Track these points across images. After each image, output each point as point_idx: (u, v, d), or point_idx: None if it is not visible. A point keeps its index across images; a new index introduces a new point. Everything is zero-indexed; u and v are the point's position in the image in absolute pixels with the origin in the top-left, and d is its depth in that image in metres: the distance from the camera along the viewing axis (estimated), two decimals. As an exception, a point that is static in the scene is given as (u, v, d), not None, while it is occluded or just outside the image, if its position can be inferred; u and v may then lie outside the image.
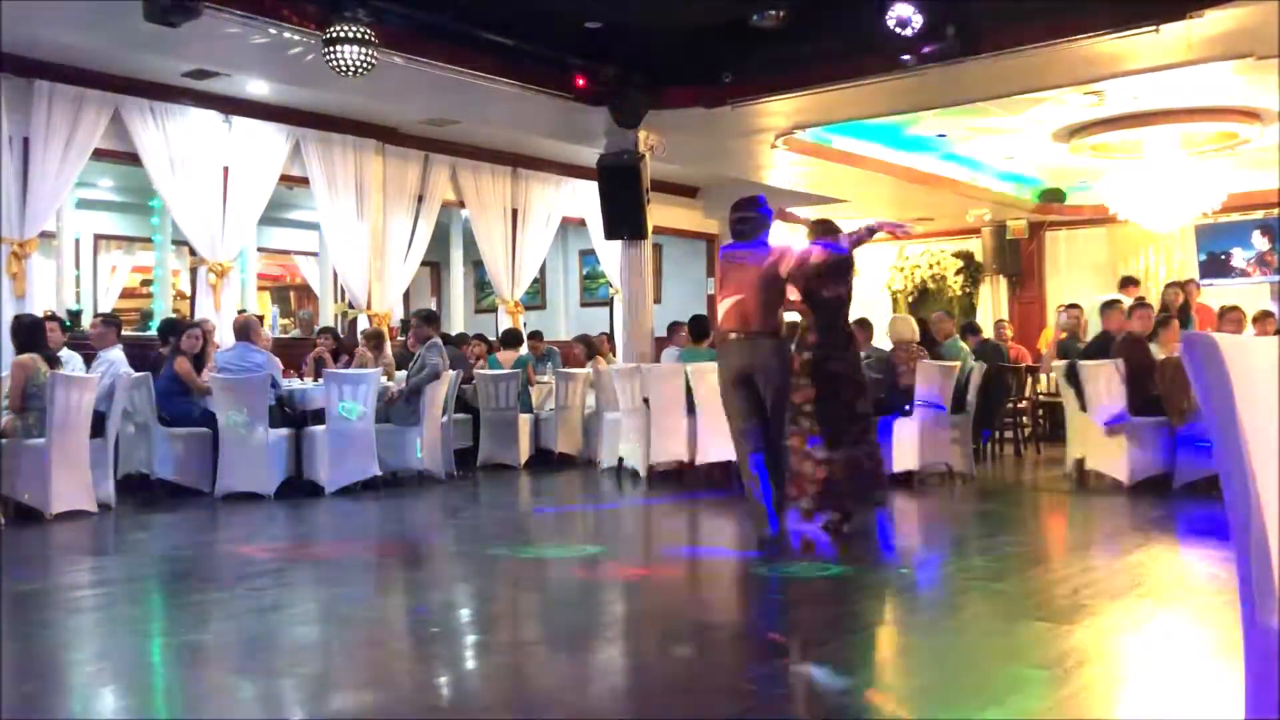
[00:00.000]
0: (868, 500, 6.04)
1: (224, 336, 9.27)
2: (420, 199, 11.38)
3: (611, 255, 12.32)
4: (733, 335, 5.57)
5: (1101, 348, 8.30)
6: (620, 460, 8.93)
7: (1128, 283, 10.62)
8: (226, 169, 9.79)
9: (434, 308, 14.84)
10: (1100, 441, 7.89)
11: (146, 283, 12.90)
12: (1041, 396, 11.24)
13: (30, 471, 6.65)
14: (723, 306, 5.66)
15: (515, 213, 12.38)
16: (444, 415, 8.84)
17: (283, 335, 12.94)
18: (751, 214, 5.76)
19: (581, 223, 13.35)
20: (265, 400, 7.72)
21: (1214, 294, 12.87)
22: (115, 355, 7.81)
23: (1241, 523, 1.68)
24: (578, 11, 7.95)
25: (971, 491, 7.98)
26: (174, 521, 6.97)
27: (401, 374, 8.85)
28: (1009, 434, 10.74)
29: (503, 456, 9.67)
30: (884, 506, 6.36)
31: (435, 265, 14.66)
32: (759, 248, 5.68)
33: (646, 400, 8.62)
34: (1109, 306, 8.71)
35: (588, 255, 15.22)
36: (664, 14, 7.92)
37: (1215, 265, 13.60)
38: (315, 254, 12.75)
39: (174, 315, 9.83)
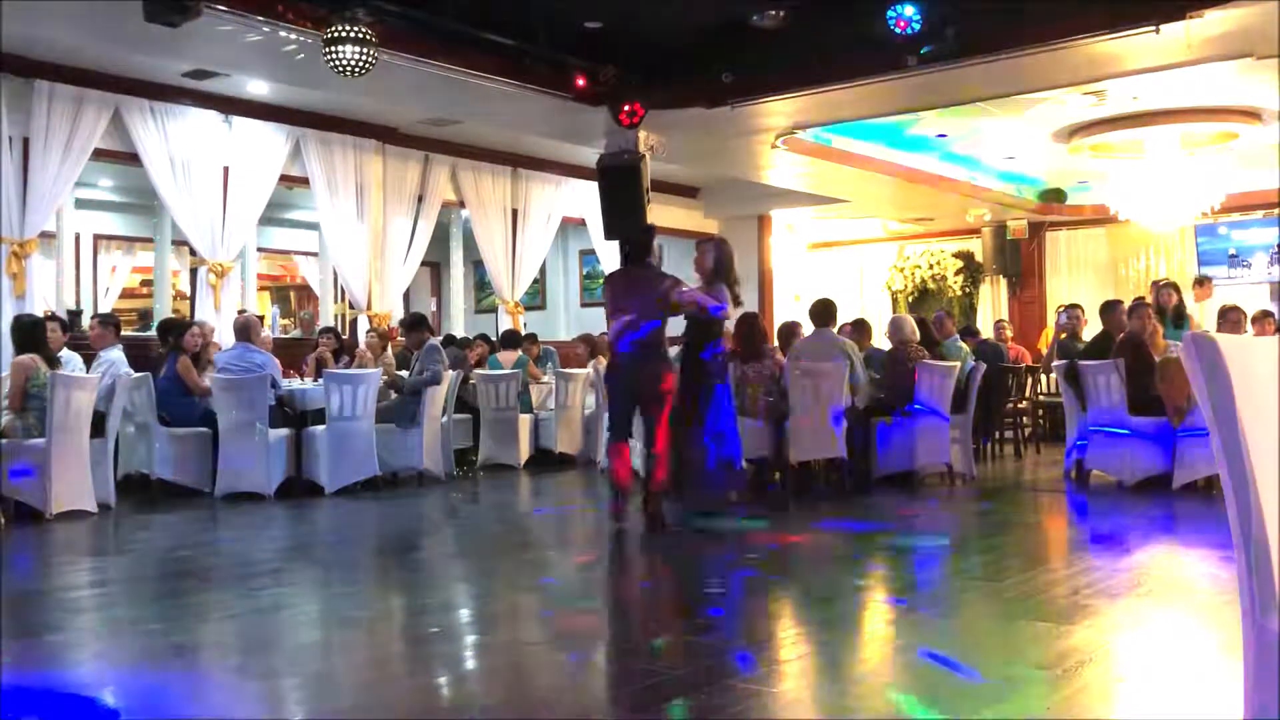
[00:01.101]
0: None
1: (224, 337, 9.28)
2: (420, 199, 11.38)
3: (611, 255, 12.31)
4: (631, 350, 6.21)
5: (1101, 348, 8.31)
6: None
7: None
8: (226, 169, 9.79)
9: (434, 308, 14.87)
10: (1100, 441, 7.89)
11: (146, 283, 12.90)
12: (1041, 396, 11.24)
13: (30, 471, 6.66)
14: (619, 322, 6.26)
15: (515, 213, 12.38)
16: (444, 415, 8.85)
17: (283, 335, 12.95)
18: (643, 239, 6.51)
19: (581, 223, 13.35)
20: (265, 400, 7.72)
21: (1216, 295, 12.88)
22: (115, 355, 7.81)
23: (1242, 523, 1.68)
24: (578, 11, 7.94)
25: (971, 491, 7.98)
26: (174, 521, 6.96)
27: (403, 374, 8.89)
28: (1009, 434, 10.74)
29: (503, 456, 9.67)
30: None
31: (435, 265, 14.65)
32: (648, 270, 6.36)
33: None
34: (1109, 307, 8.72)
35: (588, 255, 15.22)
36: (664, 14, 7.91)
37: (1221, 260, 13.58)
38: (315, 254, 12.75)
39: (173, 315, 9.83)
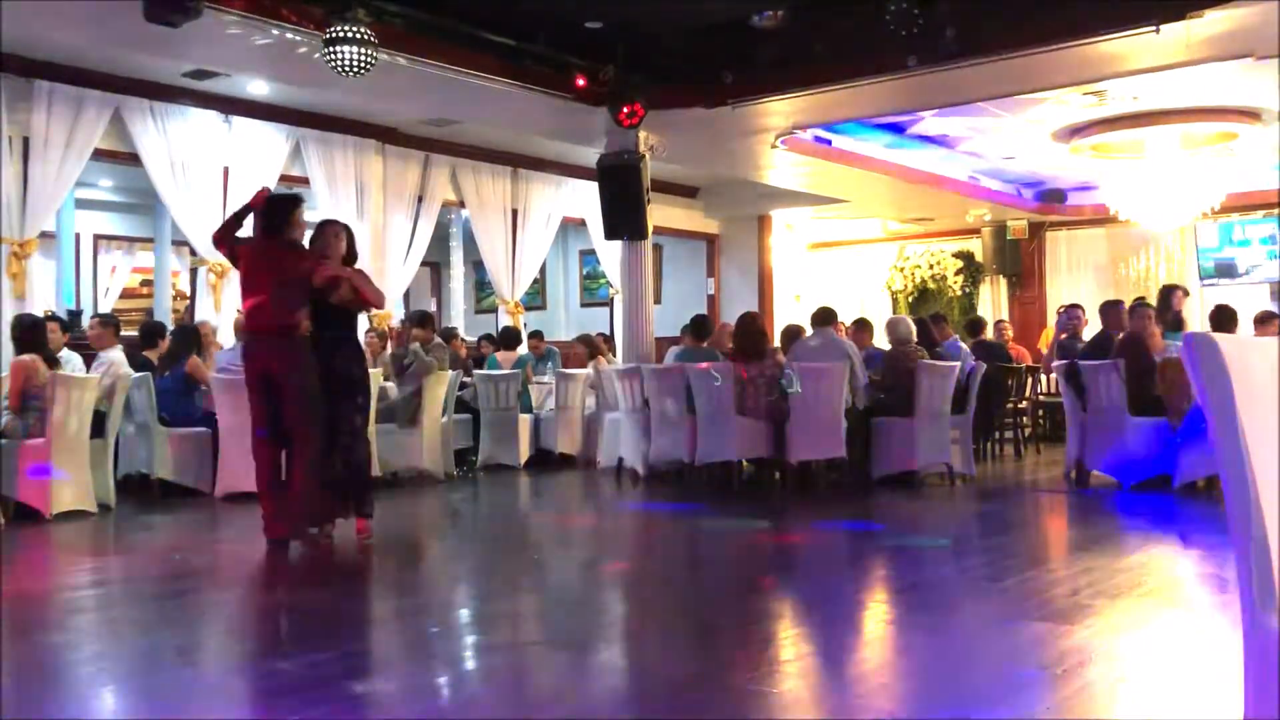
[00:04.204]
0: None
1: (224, 337, 9.27)
2: (420, 199, 11.38)
3: (611, 255, 12.32)
4: (257, 334, 5.58)
5: (1102, 348, 8.31)
6: (620, 460, 8.93)
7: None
8: (226, 169, 9.78)
9: (434, 308, 14.87)
10: (1100, 441, 7.89)
11: (147, 283, 12.90)
12: (1041, 396, 11.25)
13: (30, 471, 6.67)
14: (249, 305, 5.63)
15: (515, 213, 12.39)
16: (444, 415, 8.85)
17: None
18: (281, 204, 5.75)
19: (581, 223, 13.35)
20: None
21: (1215, 295, 12.89)
22: (115, 355, 7.80)
23: (1241, 523, 1.68)
24: (578, 11, 7.94)
25: (971, 491, 7.99)
26: (174, 521, 6.96)
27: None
28: (1009, 434, 10.74)
29: (503, 456, 9.67)
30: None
31: (435, 265, 14.66)
32: (288, 246, 5.65)
33: (646, 400, 8.62)
34: (1110, 307, 8.73)
35: (588, 255, 15.22)
36: (664, 14, 7.91)
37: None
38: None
39: (174, 317, 9.82)
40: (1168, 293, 9.92)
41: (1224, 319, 8.13)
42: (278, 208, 5.72)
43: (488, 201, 12.11)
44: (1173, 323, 9.24)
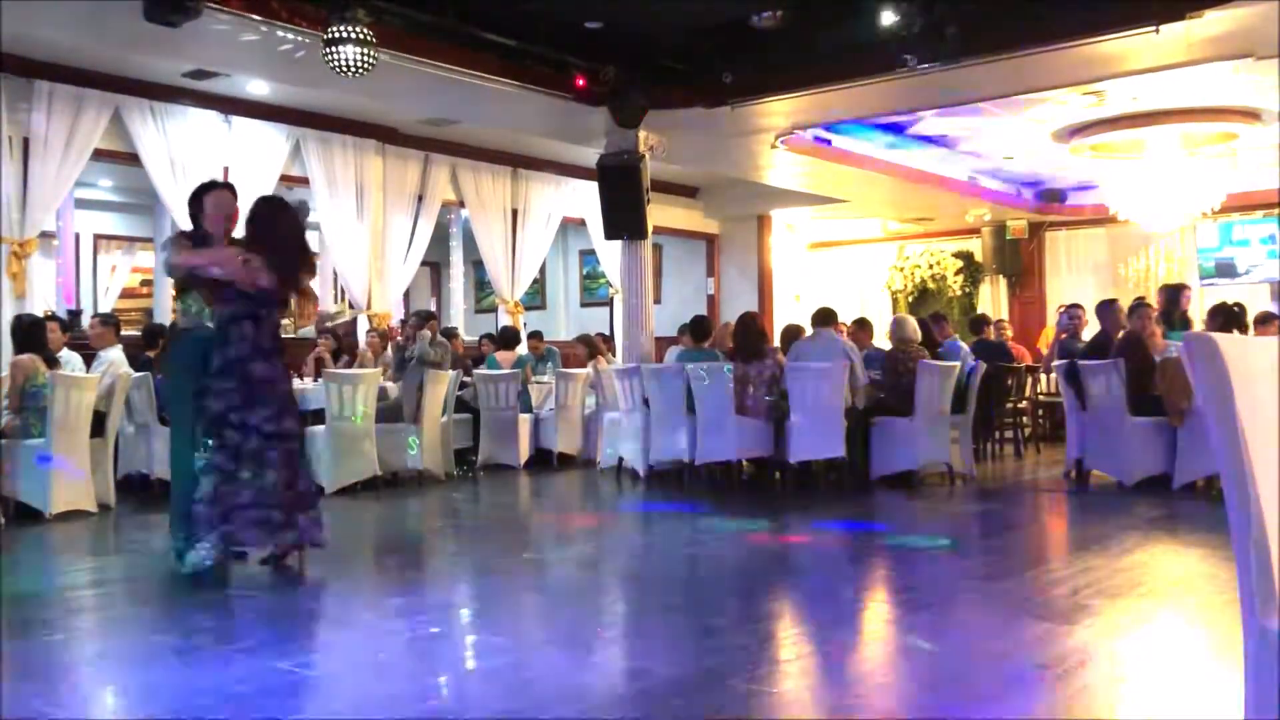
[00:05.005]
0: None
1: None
2: (420, 199, 11.39)
3: (611, 255, 12.32)
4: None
5: (1101, 348, 8.31)
6: (620, 460, 8.93)
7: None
8: (226, 169, 9.78)
9: (434, 308, 14.87)
10: (1100, 441, 7.89)
11: (146, 283, 12.90)
12: (1041, 396, 11.24)
13: (30, 471, 6.66)
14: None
15: (515, 213, 12.39)
16: (444, 415, 8.85)
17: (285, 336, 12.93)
18: (196, 201, 5.39)
19: (581, 223, 13.35)
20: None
21: (1215, 295, 12.89)
22: (115, 355, 7.81)
23: (1241, 523, 1.68)
24: (578, 11, 7.94)
25: (971, 491, 7.98)
26: (174, 521, 6.95)
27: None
28: (1009, 434, 10.74)
29: (503, 456, 9.67)
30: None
31: (435, 265, 14.66)
32: (195, 239, 5.26)
33: (646, 400, 8.62)
34: (1106, 306, 8.73)
35: (588, 255, 15.23)
36: (664, 14, 7.91)
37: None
38: (315, 254, 12.74)
39: (174, 317, 9.79)
40: (1176, 292, 9.88)
41: (1228, 319, 8.12)
42: (190, 200, 5.46)
43: (488, 201, 12.11)
44: (1180, 322, 9.24)
